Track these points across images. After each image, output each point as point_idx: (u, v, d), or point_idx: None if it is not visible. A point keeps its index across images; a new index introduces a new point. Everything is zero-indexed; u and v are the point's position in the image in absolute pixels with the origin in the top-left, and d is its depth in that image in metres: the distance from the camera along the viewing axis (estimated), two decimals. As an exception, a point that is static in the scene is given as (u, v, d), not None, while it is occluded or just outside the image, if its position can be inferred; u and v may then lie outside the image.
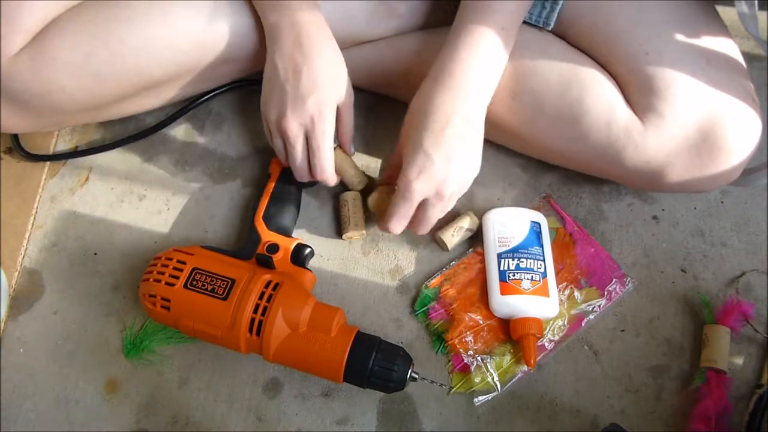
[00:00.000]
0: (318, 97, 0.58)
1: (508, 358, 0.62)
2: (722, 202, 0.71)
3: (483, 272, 0.65)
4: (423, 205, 0.59)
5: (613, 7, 0.61)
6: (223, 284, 0.55)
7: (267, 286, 0.56)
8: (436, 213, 0.59)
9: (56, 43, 0.56)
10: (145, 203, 0.70)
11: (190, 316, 0.55)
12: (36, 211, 0.69)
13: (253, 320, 0.54)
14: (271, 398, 0.60)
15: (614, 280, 0.65)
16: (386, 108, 0.75)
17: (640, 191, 0.71)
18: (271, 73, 0.60)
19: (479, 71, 0.57)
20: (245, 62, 0.66)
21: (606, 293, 0.65)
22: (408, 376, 0.55)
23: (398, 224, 0.59)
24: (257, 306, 0.54)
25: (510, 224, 0.65)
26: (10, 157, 0.72)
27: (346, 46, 0.69)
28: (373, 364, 0.54)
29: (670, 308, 0.65)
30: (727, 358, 0.60)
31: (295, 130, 0.59)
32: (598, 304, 0.64)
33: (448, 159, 0.56)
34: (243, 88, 0.76)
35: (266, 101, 0.61)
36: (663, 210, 0.70)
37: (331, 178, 0.62)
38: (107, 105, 0.63)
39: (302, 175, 0.62)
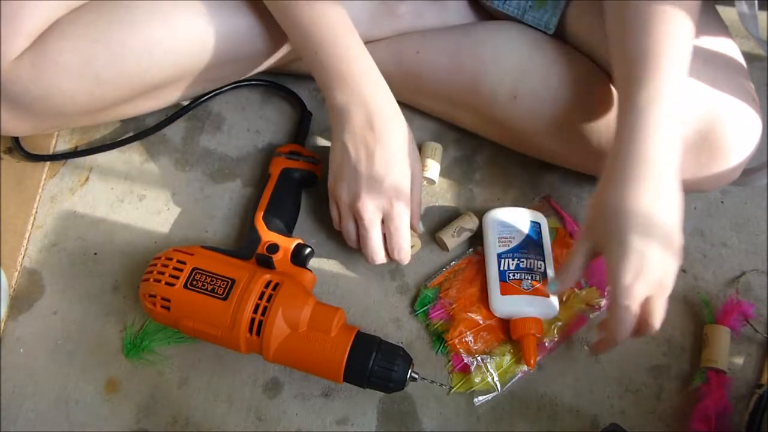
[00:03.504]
0: (394, 178, 0.57)
1: (508, 358, 0.62)
2: (722, 202, 0.71)
3: (483, 272, 0.65)
4: (646, 302, 0.52)
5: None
6: (223, 284, 0.55)
7: (267, 286, 0.56)
8: (663, 303, 0.52)
9: (57, 46, 0.56)
10: (145, 203, 0.70)
11: (190, 316, 0.55)
12: (36, 211, 0.69)
13: (253, 320, 0.54)
14: (271, 398, 0.60)
15: (614, 280, 0.65)
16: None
17: (640, 191, 0.71)
18: (341, 154, 0.59)
19: (666, 149, 0.50)
20: (246, 63, 0.66)
21: (606, 293, 0.64)
22: (408, 376, 0.55)
23: (625, 333, 0.51)
24: (257, 306, 0.54)
25: (510, 224, 0.65)
26: (10, 157, 0.72)
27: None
28: (373, 364, 0.54)
29: (670, 308, 0.64)
30: (727, 358, 0.60)
31: (371, 212, 0.58)
32: (598, 304, 0.64)
33: (663, 249, 0.50)
34: (243, 88, 0.76)
35: (336, 184, 0.60)
36: (663, 210, 0.70)
37: (407, 258, 0.61)
38: (108, 108, 0.63)
39: (377, 258, 0.61)
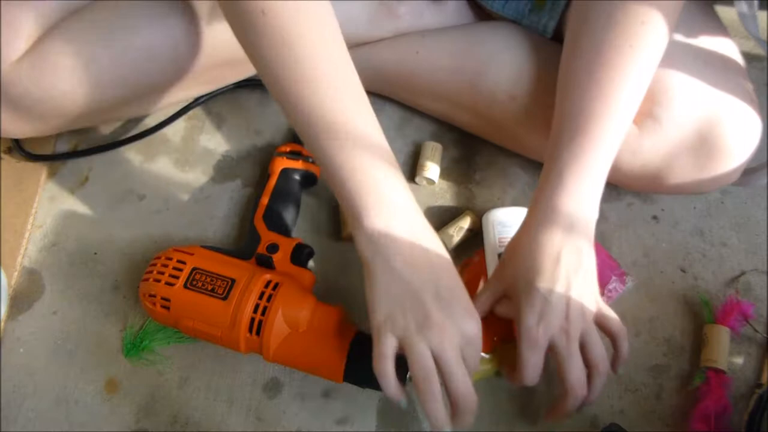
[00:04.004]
0: (450, 312, 0.50)
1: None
2: (722, 202, 0.71)
3: (483, 272, 0.65)
4: (565, 363, 0.52)
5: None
6: (223, 284, 0.55)
7: (267, 285, 0.56)
8: (594, 339, 0.52)
9: (58, 49, 0.56)
10: (145, 203, 0.70)
11: (190, 316, 0.55)
12: (36, 211, 0.69)
13: (253, 320, 0.54)
14: (271, 398, 0.60)
15: (614, 278, 0.65)
16: (387, 109, 0.75)
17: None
18: (397, 281, 0.50)
19: (583, 203, 0.52)
20: (246, 64, 0.66)
21: (606, 292, 0.64)
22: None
23: (534, 374, 0.52)
24: (257, 306, 0.54)
25: (510, 224, 0.65)
26: (10, 157, 0.72)
27: (347, 47, 0.70)
28: (373, 363, 0.54)
29: (670, 308, 0.65)
30: (726, 357, 0.60)
31: (453, 350, 0.49)
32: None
33: (566, 294, 0.51)
34: (243, 88, 0.76)
35: (386, 315, 0.51)
36: (663, 210, 0.70)
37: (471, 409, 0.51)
38: (108, 109, 0.63)
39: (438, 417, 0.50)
